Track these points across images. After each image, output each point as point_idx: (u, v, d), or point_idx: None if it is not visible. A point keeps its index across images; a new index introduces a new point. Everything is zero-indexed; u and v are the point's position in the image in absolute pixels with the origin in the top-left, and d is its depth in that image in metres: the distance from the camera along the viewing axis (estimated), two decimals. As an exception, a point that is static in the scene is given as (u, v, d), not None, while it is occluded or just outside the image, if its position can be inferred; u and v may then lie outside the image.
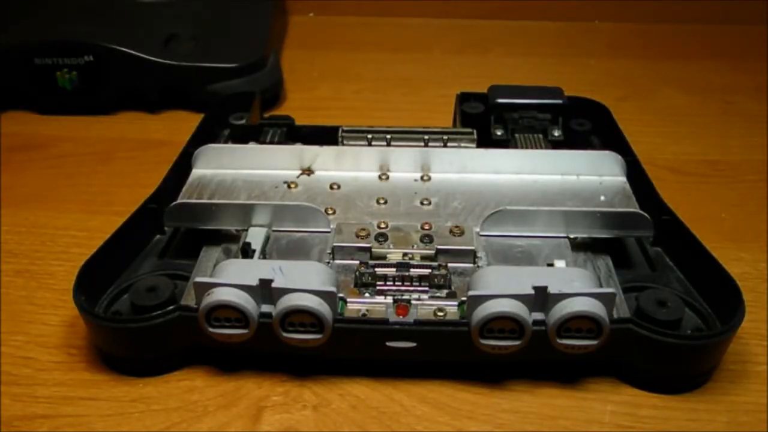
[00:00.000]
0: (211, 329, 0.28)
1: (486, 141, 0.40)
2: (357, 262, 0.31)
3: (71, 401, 0.29)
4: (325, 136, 0.40)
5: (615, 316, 0.28)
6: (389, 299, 0.30)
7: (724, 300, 0.29)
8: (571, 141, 0.41)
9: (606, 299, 0.27)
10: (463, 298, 0.29)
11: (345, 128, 0.40)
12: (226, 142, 0.42)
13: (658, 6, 0.67)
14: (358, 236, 0.32)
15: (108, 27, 0.50)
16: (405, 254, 0.31)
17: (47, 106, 0.50)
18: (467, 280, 0.30)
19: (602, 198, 0.34)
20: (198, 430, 0.28)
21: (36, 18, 0.52)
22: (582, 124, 0.42)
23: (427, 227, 0.33)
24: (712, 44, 0.63)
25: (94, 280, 0.31)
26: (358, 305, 0.30)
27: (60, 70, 0.48)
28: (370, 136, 0.40)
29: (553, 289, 0.27)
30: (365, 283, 0.31)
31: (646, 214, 0.32)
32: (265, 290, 0.28)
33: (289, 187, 0.36)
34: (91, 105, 0.50)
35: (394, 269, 0.31)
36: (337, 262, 0.32)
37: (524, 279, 0.28)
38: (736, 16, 0.66)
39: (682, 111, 0.53)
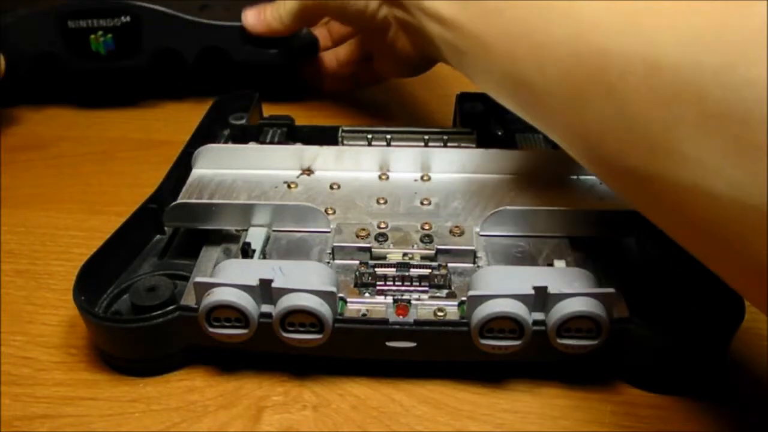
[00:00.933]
0: (211, 329, 0.28)
1: (486, 141, 0.40)
2: (357, 262, 0.31)
3: (71, 401, 0.29)
4: (325, 136, 0.40)
5: (615, 316, 0.28)
6: (389, 299, 0.30)
7: (724, 300, 0.29)
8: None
9: (606, 299, 0.27)
10: (463, 298, 0.29)
11: (345, 128, 0.40)
12: (226, 142, 0.42)
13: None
14: (358, 236, 0.32)
15: None
16: (405, 254, 0.31)
17: (80, 72, 0.49)
18: (467, 280, 0.30)
19: (601, 198, 0.34)
20: (198, 430, 0.28)
21: None
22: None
23: (427, 227, 0.33)
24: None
25: (94, 280, 0.31)
26: (358, 305, 0.30)
27: (94, 33, 0.46)
28: (370, 136, 0.40)
29: (552, 289, 0.27)
30: (365, 283, 0.31)
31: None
32: (265, 290, 0.28)
33: (289, 187, 0.36)
34: (125, 68, 0.49)
35: (394, 269, 0.31)
36: (337, 262, 0.32)
37: (524, 279, 0.28)
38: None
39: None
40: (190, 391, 0.29)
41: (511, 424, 0.28)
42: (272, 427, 0.28)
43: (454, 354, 0.29)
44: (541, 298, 0.27)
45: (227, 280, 0.28)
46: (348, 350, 0.29)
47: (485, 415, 0.28)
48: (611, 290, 0.27)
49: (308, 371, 0.30)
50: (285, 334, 0.28)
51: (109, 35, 0.46)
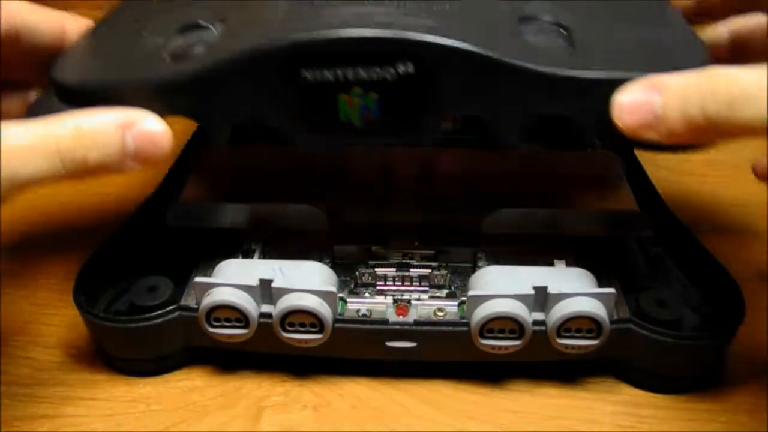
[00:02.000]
0: (211, 329, 0.28)
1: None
2: (357, 262, 0.31)
3: (71, 401, 0.29)
4: None
5: (615, 316, 0.28)
6: (389, 299, 0.30)
7: (724, 300, 0.29)
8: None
9: (606, 299, 0.27)
10: (463, 298, 0.29)
11: None
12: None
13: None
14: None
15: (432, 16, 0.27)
16: (405, 254, 0.31)
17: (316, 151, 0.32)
18: (467, 280, 0.30)
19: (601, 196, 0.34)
20: (198, 430, 0.28)
21: (301, 15, 0.27)
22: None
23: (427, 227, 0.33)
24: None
25: (94, 280, 0.31)
26: (358, 305, 0.30)
27: (347, 92, 0.26)
28: None
29: (552, 289, 0.27)
30: (365, 283, 0.31)
31: (645, 214, 0.32)
32: (265, 290, 0.28)
33: None
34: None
35: (394, 269, 0.31)
36: (337, 262, 0.32)
37: (524, 279, 0.28)
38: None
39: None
40: (189, 391, 0.29)
41: (511, 424, 0.28)
42: (272, 427, 0.28)
43: (454, 354, 0.29)
44: (541, 298, 0.27)
45: (227, 280, 0.28)
46: (348, 350, 0.29)
47: (485, 415, 0.28)
48: (611, 290, 0.27)
49: (308, 371, 0.30)
50: (285, 334, 0.28)
51: (373, 95, 0.26)
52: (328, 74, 0.25)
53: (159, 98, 0.26)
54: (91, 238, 0.37)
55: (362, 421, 0.28)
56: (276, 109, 0.26)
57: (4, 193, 0.23)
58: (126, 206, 0.35)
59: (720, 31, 0.32)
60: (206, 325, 0.28)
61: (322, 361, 0.30)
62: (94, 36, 0.30)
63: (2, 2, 0.29)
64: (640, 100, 0.23)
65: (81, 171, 0.24)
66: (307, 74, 0.25)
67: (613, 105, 0.24)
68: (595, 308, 0.27)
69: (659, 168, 0.43)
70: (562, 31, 0.27)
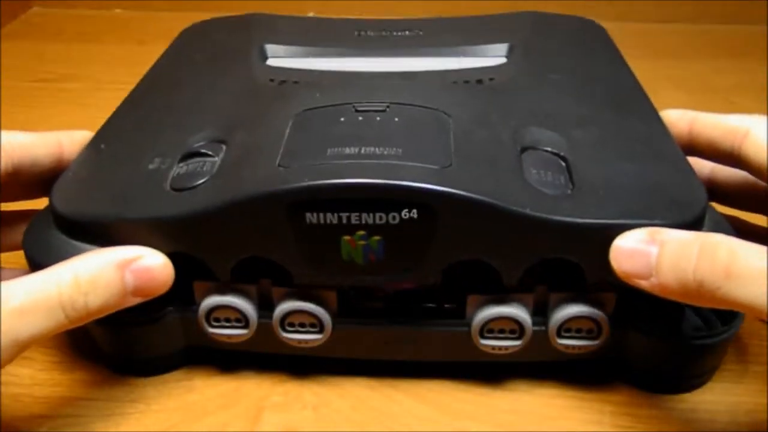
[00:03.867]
0: (210, 330, 0.28)
1: None
2: None
3: (71, 401, 0.29)
4: None
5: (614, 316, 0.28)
6: None
7: None
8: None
9: (606, 300, 0.27)
10: None
11: None
12: None
13: (659, 6, 0.67)
14: None
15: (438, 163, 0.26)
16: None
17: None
18: None
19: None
20: (198, 430, 0.28)
21: (305, 146, 0.27)
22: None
23: None
24: (712, 44, 0.63)
25: None
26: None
27: (351, 234, 0.26)
28: None
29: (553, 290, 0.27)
30: None
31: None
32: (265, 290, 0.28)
33: None
34: (393, 288, 0.29)
35: None
36: None
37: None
38: (737, 17, 0.66)
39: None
40: (189, 391, 0.29)
41: (511, 424, 0.28)
42: (272, 427, 0.28)
43: (453, 354, 0.29)
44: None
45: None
46: (348, 350, 0.29)
47: (485, 415, 0.28)
48: (611, 291, 0.27)
49: (308, 371, 0.30)
50: (285, 334, 0.28)
51: (376, 237, 0.26)
52: (332, 218, 0.25)
53: (160, 234, 0.26)
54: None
55: (362, 421, 0.28)
56: (278, 247, 0.26)
57: (6, 357, 0.23)
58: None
59: (702, 164, 0.32)
60: (206, 326, 0.28)
61: (323, 361, 0.30)
62: (91, 158, 0.29)
63: (1, 140, 0.28)
64: (638, 250, 0.24)
65: (84, 317, 0.24)
66: (312, 218, 0.25)
67: (612, 248, 0.24)
68: (595, 309, 0.27)
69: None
70: (561, 163, 0.27)
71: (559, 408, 0.29)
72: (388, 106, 0.28)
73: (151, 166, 0.28)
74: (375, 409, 0.29)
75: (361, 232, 0.25)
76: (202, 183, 0.26)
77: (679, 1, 0.66)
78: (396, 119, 0.28)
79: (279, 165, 0.26)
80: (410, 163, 0.25)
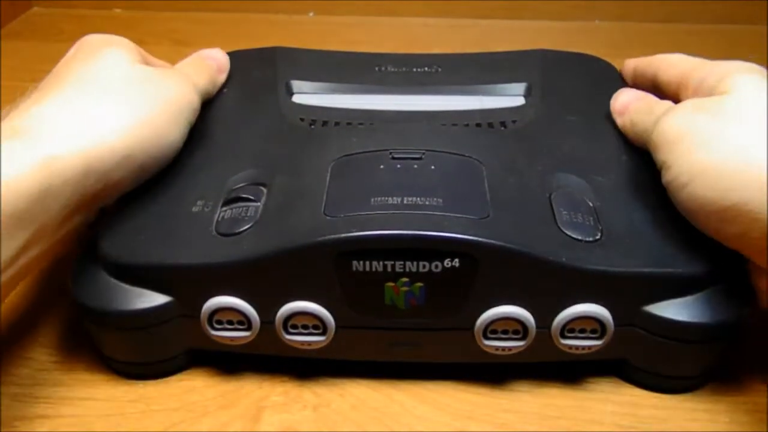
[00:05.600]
0: (213, 332, 0.28)
1: None
2: None
3: (71, 401, 0.29)
4: None
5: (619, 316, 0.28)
6: None
7: (726, 300, 0.29)
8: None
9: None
10: None
11: None
12: None
13: (659, 6, 0.67)
14: None
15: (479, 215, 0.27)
16: None
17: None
18: None
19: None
20: (198, 430, 0.28)
21: (348, 195, 0.28)
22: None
23: None
24: (712, 44, 0.63)
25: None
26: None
27: (395, 281, 0.27)
28: None
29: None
30: None
31: None
32: None
33: None
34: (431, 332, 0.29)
35: None
36: None
37: None
38: (737, 17, 0.66)
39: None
40: (190, 391, 0.29)
41: (512, 424, 0.28)
42: (272, 427, 0.28)
43: (456, 355, 0.29)
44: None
45: None
46: (351, 353, 0.29)
47: (485, 415, 0.28)
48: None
49: (308, 371, 0.30)
50: (288, 337, 0.28)
51: (419, 284, 0.27)
52: (377, 266, 0.26)
53: (210, 279, 0.27)
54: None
55: (362, 421, 0.28)
56: (323, 292, 0.27)
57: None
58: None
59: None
60: (208, 328, 0.28)
61: (323, 361, 0.30)
62: (133, 199, 0.30)
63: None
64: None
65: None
66: (358, 266, 0.26)
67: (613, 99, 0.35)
68: (599, 309, 0.27)
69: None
70: (589, 203, 0.29)
71: (559, 408, 0.29)
72: (423, 154, 0.30)
73: (194, 209, 0.29)
74: (375, 409, 0.29)
75: (405, 279, 0.27)
76: (248, 229, 0.27)
77: (680, 1, 0.66)
78: (432, 167, 0.29)
79: (325, 213, 0.27)
80: (452, 214, 0.27)
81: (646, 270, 0.27)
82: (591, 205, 0.29)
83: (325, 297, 0.27)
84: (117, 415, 0.28)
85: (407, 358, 0.29)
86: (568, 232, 0.27)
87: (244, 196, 0.29)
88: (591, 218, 0.28)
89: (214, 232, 0.28)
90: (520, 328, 0.27)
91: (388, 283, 0.27)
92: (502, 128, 0.34)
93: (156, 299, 0.28)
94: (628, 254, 0.27)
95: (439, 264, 0.26)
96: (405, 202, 0.27)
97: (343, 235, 0.26)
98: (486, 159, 0.30)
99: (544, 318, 0.27)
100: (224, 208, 0.29)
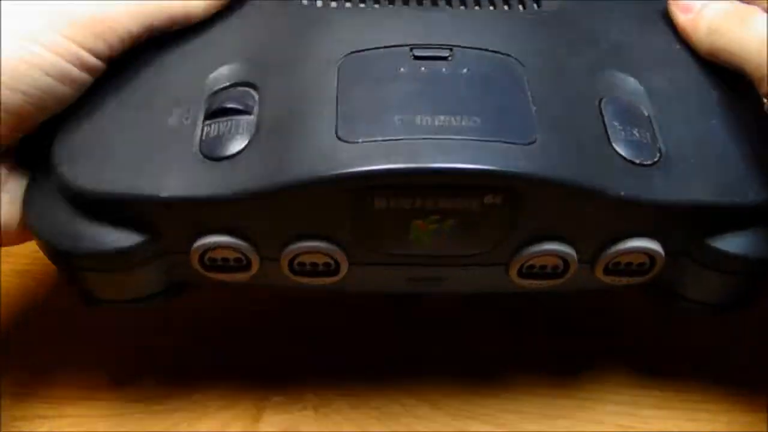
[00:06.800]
0: (205, 272, 0.25)
1: None
2: None
3: (71, 401, 0.29)
4: None
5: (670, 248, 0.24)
6: None
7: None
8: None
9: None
10: None
11: None
12: None
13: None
14: None
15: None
16: None
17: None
18: None
19: None
20: (198, 430, 0.28)
21: (365, 109, 0.23)
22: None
23: None
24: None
25: None
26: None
27: (423, 218, 0.23)
28: None
29: None
30: None
31: None
32: None
33: None
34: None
35: None
36: None
37: None
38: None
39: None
40: (190, 391, 0.29)
41: (512, 424, 0.28)
42: (272, 427, 0.28)
43: (482, 288, 0.26)
44: None
45: None
46: (364, 288, 0.26)
47: (485, 415, 0.28)
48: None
49: (308, 371, 0.30)
50: (294, 277, 0.25)
51: (450, 221, 0.23)
52: (404, 203, 0.22)
53: (199, 215, 0.23)
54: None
55: (362, 421, 0.28)
56: (336, 228, 0.23)
57: None
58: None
59: None
60: (199, 268, 0.24)
61: (323, 361, 0.30)
62: (95, 106, 0.24)
63: None
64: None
65: None
66: (381, 202, 0.22)
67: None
68: (653, 244, 0.24)
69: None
70: (645, 113, 0.24)
71: (560, 408, 0.29)
72: (451, 51, 0.24)
73: (170, 121, 0.24)
74: (375, 408, 0.29)
75: (435, 217, 0.23)
76: (243, 151, 0.23)
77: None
78: (465, 70, 0.24)
79: (339, 137, 0.22)
80: (495, 140, 0.22)
81: (710, 200, 0.23)
82: (647, 114, 0.24)
83: (338, 234, 0.23)
84: (117, 415, 0.28)
85: (425, 290, 0.27)
86: (624, 153, 0.23)
87: (231, 106, 0.23)
88: (648, 133, 0.24)
89: (199, 154, 0.23)
90: (560, 264, 0.24)
91: (415, 221, 0.23)
92: (535, 5, 0.27)
93: (132, 238, 0.23)
94: (691, 180, 0.23)
95: (476, 200, 0.22)
96: (437, 122, 0.22)
97: (365, 168, 0.21)
98: (524, 56, 0.24)
99: (589, 254, 0.24)
100: (208, 122, 0.23)
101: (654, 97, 0.25)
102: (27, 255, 0.37)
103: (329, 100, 0.23)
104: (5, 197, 0.24)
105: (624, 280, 0.25)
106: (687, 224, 0.23)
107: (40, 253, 0.37)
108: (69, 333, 0.32)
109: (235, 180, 0.22)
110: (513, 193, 0.22)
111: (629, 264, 0.25)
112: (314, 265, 0.24)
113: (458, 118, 0.22)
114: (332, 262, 0.24)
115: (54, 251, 0.24)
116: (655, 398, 0.29)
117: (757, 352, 0.31)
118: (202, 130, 0.23)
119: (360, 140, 0.22)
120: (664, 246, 0.24)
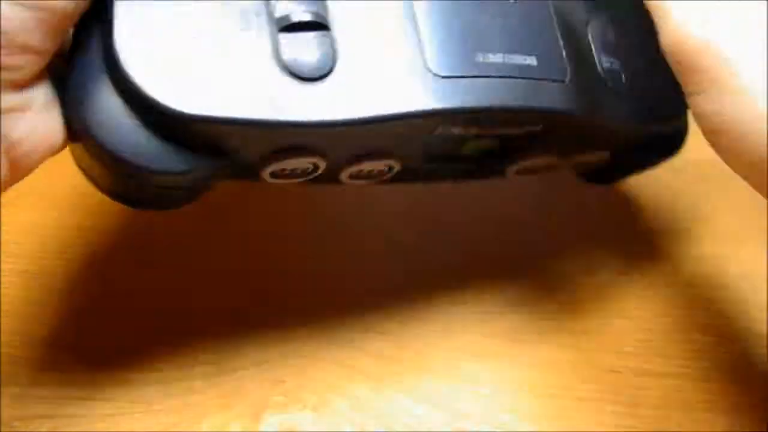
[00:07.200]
0: (270, 179, 0.24)
1: None
2: None
3: (71, 401, 0.29)
4: None
5: None
6: None
7: None
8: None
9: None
10: None
11: None
12: None
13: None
14: None
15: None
16: None
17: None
18: None
19: None
20: (198, 430, 0.28)
21: (449, 44, 0.25)
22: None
23: None
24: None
25: None
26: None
27: (474, 140, 0.27)
28: None
29: None
30: None
31: None
32: None
33: None
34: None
35: None
36: None
37: None
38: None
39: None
40: (189, 391, 0.29)
41: (511, 424, 0.28)
42: (272, 427, 0.28)
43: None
44: None
45: None
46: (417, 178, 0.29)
47: (484, 415, 0.28)
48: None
49: (308, 371, 0.30)
50: (349, 181, 0.26)
51: (494, 140, 0.28)
52: (461, 131, 0.25)
53: (281, 139, 0.23)
54: (90, 238, 0.37)
55: (362, 421, 0.28)
56: (399, 148, 0.25)
57: None
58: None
59: None
60: (266, 178, 0.24)
61: (323, 361, 0.30)
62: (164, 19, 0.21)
63: None
64: None
65: None
66: (443, 129, 0.25)
67: None
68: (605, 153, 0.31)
69: (660, 167, 0.43)
70: (612, 39, 0.28)
71: (560, 408, 0.29)
72: None
73: (242, 32, 0.21)
74: (375, 409, 0.29)
75: (485, 140, 0.27)
76: (330, 75, 0.21)
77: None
78: (520, 5, 0.25)
79: (430, 70, 0.22)
80: (547, 80, 0.25)
81: (660, 125, 0.29)
82: (613, 41, 0.27)
83: (397, 151, 0.25)
84: (117, 415, 0.28)
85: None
86: (610, 84, 0.27)
87: (308, 21, 0.21)
88: (618, 62, 0.27)
89: (281, 70, 0.21)
90: (545, 167, 0.29)
91: (466, 144, 0.27)
92: None
93: (210, 160, 0.22)
94: (646, 108, 0.28)
95: (521, 128, 0.26)
96: (506, 61, 0.24)
97: (459, 105, 0.22)
98: None
99: (567, 159, 0.30)
100: (283, 34, 0.21)
101: (617, 23, 0.28)
102: (27, 255, 0.37)
103: (409, 25, 0.23)
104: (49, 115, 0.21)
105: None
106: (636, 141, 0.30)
107: (41, 253, 0.37)
108: (69, 333, 0.32)
109: (328, 109, 0.21)
110: (550, 125, 0.26)
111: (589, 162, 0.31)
112: (371, 170, 0.26)
113: (522, 57, 0.24)
114: (387, 169, 0.26)
115: (128, 170, 0.21)
116: (655, 398, 0.29)
117: (757, 352, 0.31)
118: (278, 41, 0.21)
119: (451, 75, 0.23)
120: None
